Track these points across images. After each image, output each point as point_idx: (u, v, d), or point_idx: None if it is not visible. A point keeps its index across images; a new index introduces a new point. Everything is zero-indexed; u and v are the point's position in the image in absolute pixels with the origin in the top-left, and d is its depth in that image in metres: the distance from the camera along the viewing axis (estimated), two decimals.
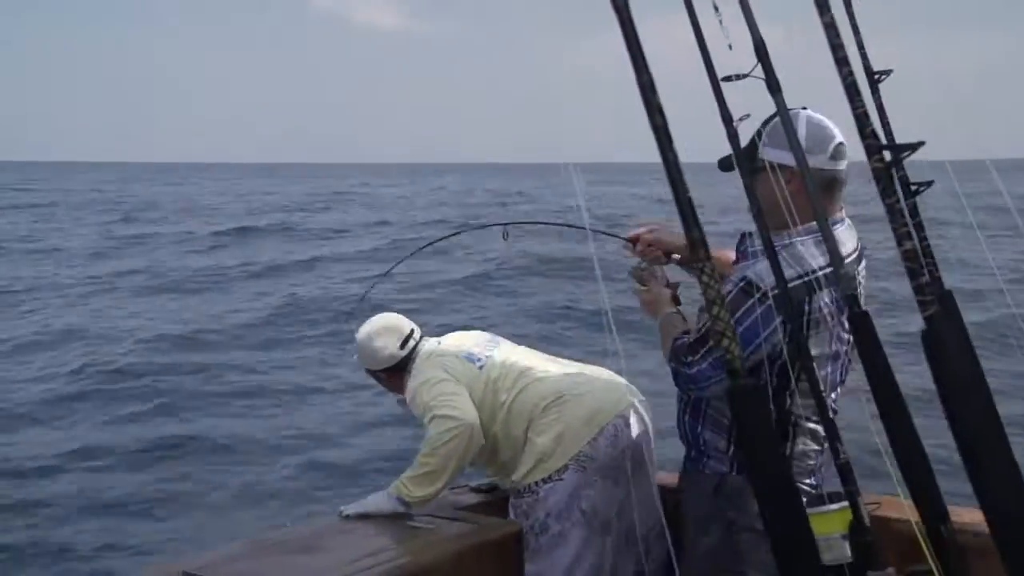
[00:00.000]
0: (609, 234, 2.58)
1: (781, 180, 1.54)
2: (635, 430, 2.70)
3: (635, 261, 2.40)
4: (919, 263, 0.98)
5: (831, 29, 1.06)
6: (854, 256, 2.11)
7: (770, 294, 1.93)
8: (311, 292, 14.58)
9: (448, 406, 2.68)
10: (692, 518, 2.23)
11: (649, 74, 0.95)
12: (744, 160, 1.69)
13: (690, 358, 2.03)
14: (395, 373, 2.93)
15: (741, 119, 1.36)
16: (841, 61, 1.04)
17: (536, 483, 2.67)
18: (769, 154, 1.82)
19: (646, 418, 2.76)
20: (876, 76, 1.76)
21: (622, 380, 2.83)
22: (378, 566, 2.39)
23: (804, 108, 2.09)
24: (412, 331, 2.96)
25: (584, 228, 2.31)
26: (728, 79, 1.52)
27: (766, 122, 1.97)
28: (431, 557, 2.47)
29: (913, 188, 1.69)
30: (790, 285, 1.83)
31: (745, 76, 1.52)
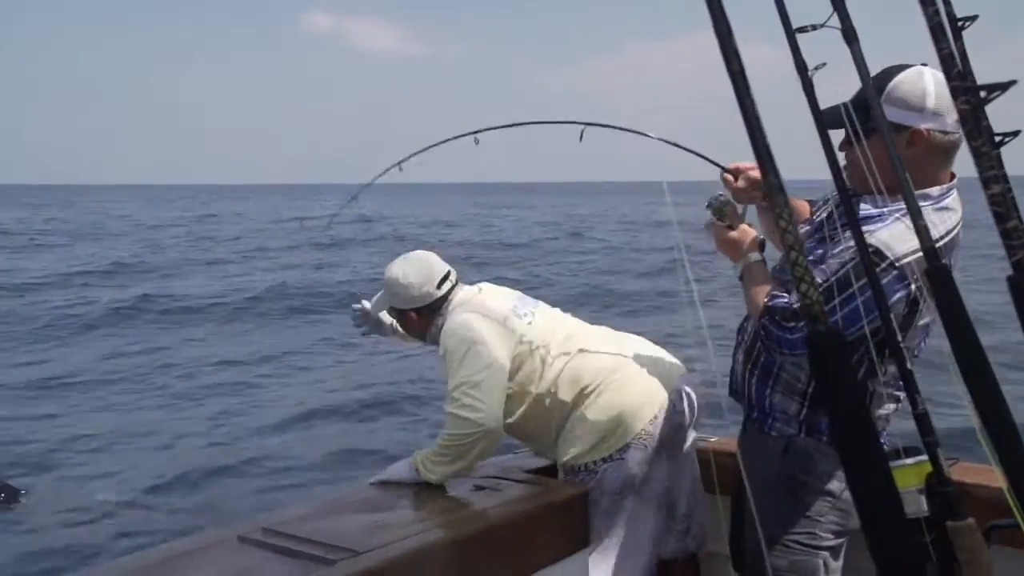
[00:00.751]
0: (709, 160, 2.32)
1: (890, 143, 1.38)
2: (684, 404, 2.63)
3: (717, 196, 2.20)
4: (1007, 207, 0.96)
5: None
6: (960, 224, 1.99)
7: (896, 264, 1.83)
8: None
9: (471, 407, 2.54)
10: (758, 481, 2.20)
11: (727, 23, 0.95)
12: (853, 116, 1.68)
13: (792, 323, 1.87)
14: (425, 315, 2.75)
15: (817, 68, 1.33)
16: (927, 2, 1.01)
17: (595, 462, 2.60)
18: (890, 113, 1.71)
19: (692, 392, 2.67)
20: (960, 23, 1.69)
21: (667, 353, 2.75)
22: (448, 526, 2.44)
23: (924, 64, 1.93)
24: (449, 272, 2.77)
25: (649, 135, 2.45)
26: (803, 29, 1.49)
27: (881, 77, 1.89)
28: (499, 517, 2.51)
29: (998, 139, 1.63)
30: (916, 256, 1.78)
31: (821, 26, 1.49)
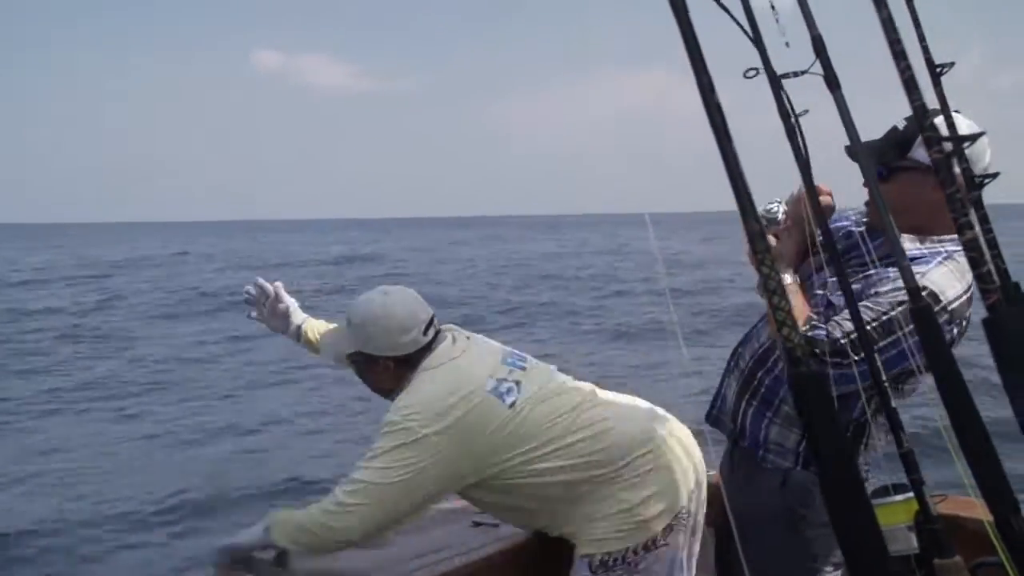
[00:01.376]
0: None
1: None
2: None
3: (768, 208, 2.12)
4: (979, 252, 0.99)
5: (888, 24, 1.07)
6: None
7: (948, 308, 1.88)
8: None
9: (346, 513, 2.11)
10: (752, 515, 2.20)
11: (708, 76, 0.99)
12: (887, 151, 1.85)
13: (846, 360, 1.80)
14: (403, 368, 2.22)
15: (800, 115, 1.37)
16: (899, 55, 1.06)
17: (635, 550, 2.15)
18: (923, 155, 1.74)
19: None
20: (938, 69, 1.75)
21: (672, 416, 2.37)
22: (447, 560, 2.45)
23: (957, 111, 1.88)
24: (433, 316, 2.29)
25: None
26: (786, 76, 1.54)
27: (917, 119, 1.88)
28: (497, 552, 2.52)
29: (977, 180, 1.68)
30: (960, 301, 1.87)
31: (804, 72, 1.54)
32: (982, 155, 1.90)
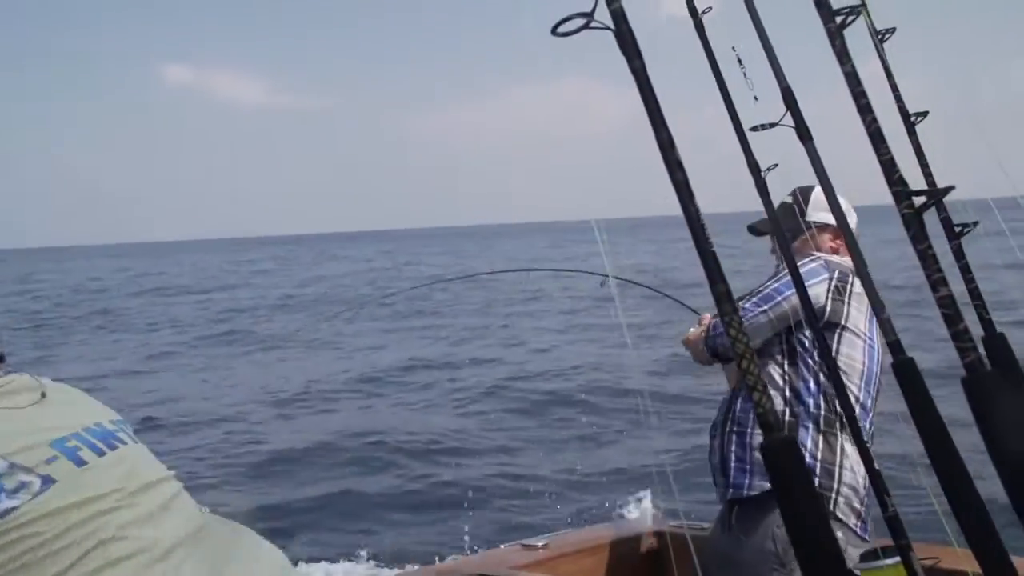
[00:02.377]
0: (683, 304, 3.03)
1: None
2: None
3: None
4: (955, 309, 0.96)
5: (851, 78, 1.05)
6: None
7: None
8: None
9: None
10: (750, 562, 2.25)
11: (667, 131, 0.97)
12: (784, 220, 2.18)
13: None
14: None
15: (769, 169, 1.35)
16: (864, 109, 1.04)
17: None
18: (819, 216, 2.46)
19: None
20: (912, 118, 1.74)
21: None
22: None
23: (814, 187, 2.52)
24: None
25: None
26: (757, 128, 1.53)
27: (803, 193, 2.51)
28: None
29: (957, 229, 1.66)
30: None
31: (775, 125, 1.52)
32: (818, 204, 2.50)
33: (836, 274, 2.38)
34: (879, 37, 1.72)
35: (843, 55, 1.05)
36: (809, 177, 1.62)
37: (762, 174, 1.31)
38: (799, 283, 1.43)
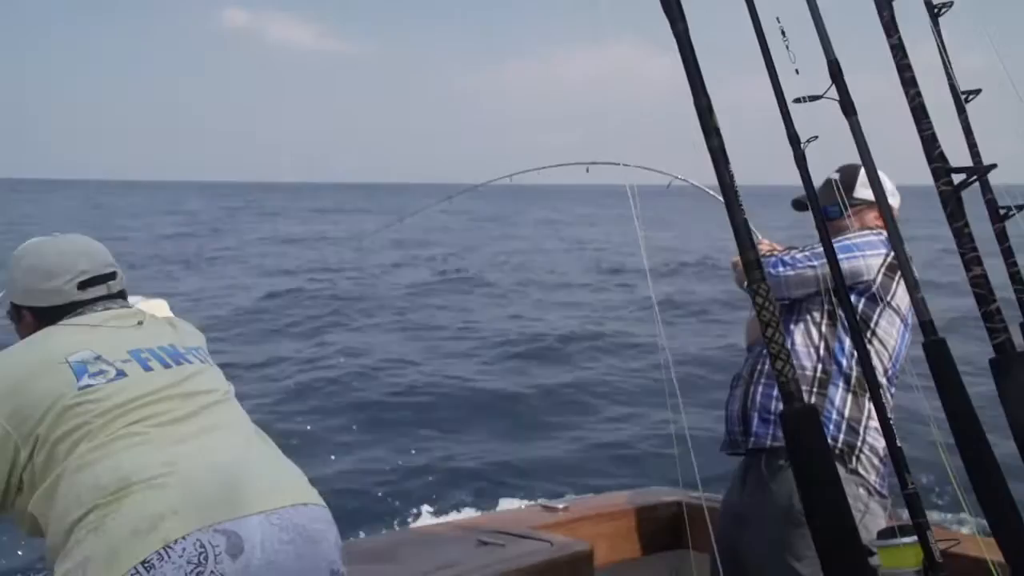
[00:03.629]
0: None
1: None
2: (276, 556, 1.49)
3: None
4: (988, 289, 0.95)
5: (897, 50, 1.04)
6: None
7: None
8: None
9: None
10: (762, 515, 2.33)
11: (707, 97, 0.96)
12: (831, 195, 2.36)
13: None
14: (44, 322, 1.74)
15: (809, 141, 1.34)
16: (908, 82, 1.02)
17: None
18: (865, 193, 2.42)
19: (317, 537, 1.58)
20: (964, 96, 1.70)
21: (274, 464, 1.66)
22: None
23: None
24: (109, 274, 1.80)
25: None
26: (801, 100, 1.51)
27: (850, 170, 2.49)
28: (501, 572, 2.49)
29: (1002, 211, 1.63)
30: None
31: (819, 97, 1.50)
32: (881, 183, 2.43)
33: (892, 253, 2.39)
34: (935, 11, 1.68)
35: (890, 27, 1.03)
36: (851, 154, 1.60)
37: (801, 146, 1.29)
38: (831, 254, 1.43)
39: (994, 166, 1.01)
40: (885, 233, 2.43)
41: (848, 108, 1.45)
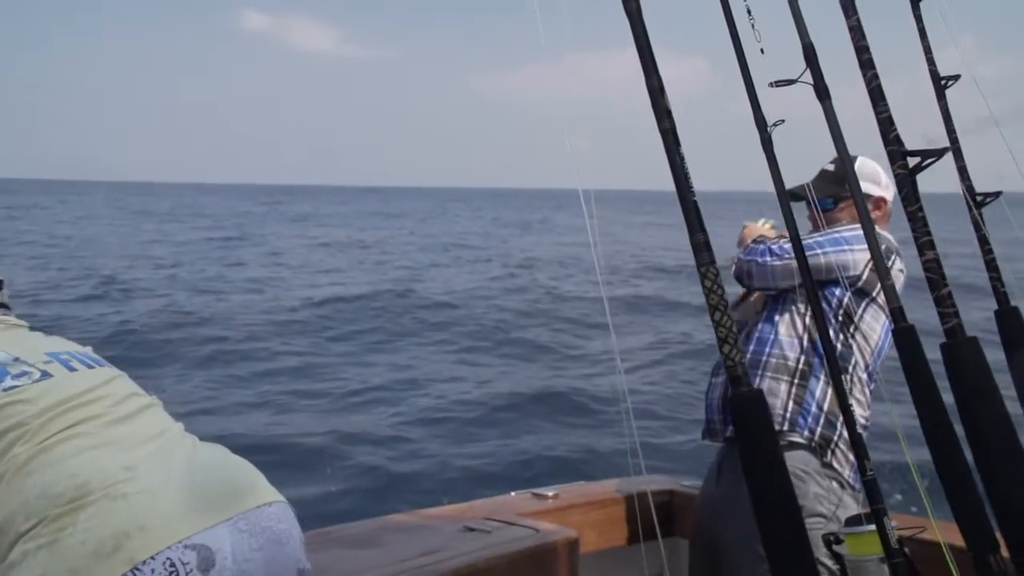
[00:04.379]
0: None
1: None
2: (247, 565, 1.45)
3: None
4: (940, 274, 0.94)
5: (855, 31, 1.02)
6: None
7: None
8: None
9: None
10: (741, 507, 2.33)
11: (659, 78, 0.95)
12: (825, 187, 2.45)
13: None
14: None
15: (775, 124, 1.33)
16: (866, 64, 1.01)
17: None
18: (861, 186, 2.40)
19: (284, 538, 1.53)
20: (943, 82, 1.68)
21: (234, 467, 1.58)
22: (433, 564, 2.43)
23: (858, 157, 2.49)
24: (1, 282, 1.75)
25: None
26: (777, 84, 1.49)
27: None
28: (484, 559, 2.49)
29: (979, 199, 1.61)
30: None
31: (794, 81, 1.49)
32: (876, 176, 2.48)
33: (882, 248, 2.38)
34: None
35: (848, 7, 1.02)
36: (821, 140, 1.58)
37: (768, 129, 1.28)
38: (798, 248, 1.42)
39: (948, 149, 1.00)
40: (877, 228, 2.43)
41: (822, 92, 1.43)
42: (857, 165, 2.47)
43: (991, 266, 1.53)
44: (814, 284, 2.30)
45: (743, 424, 0.91)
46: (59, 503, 1.35)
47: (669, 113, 0.94)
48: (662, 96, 0.95)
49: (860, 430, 2.27)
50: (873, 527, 1.36)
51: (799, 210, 2.69)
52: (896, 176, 1.00)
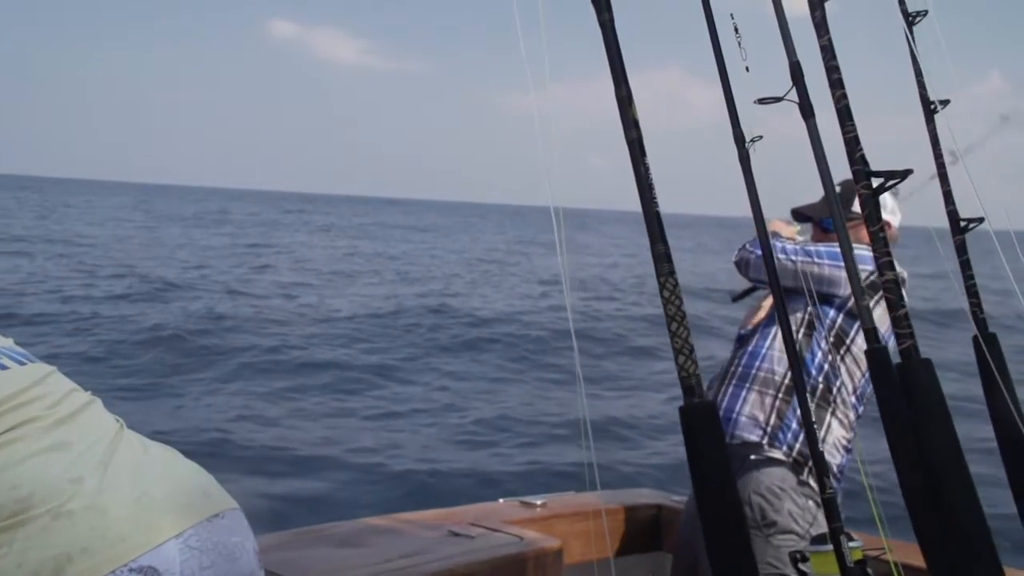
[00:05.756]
0: None
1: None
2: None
3: None
4: (898, 295, 0.94)
5: (826, 51, 1.03)
6: None
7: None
8: None
9: None
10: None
11: (628, 88, 0.96)
12: (823, 208, 2.44)
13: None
14: None
15: (753, 140, 1.34)
16: (835, 84, 1.02)
17: None
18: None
19: (237, 552, 1.44)
20: (932, 106, 1.69)
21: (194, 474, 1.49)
22: (413, 567, 2.43)
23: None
24: None
25: None
26: (763, 101, 1.50)
27: (848, 182, 2.44)
28: (465, 564, 2.50)
29: (963, 224, 1.61)
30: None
31: (781, 99, 1.50)
32: (881, 200, 2.32)
33: (877, 272, 2.40)
34: (909, 19, 1.67)
35: (821, 27, 1.03)
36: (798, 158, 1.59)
37: (746, 145, 1.29)
38: (768, 256, 1.42)
39: (911, 171, 1.01)
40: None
41: (807, 110, 1.44)
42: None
43: (971, 291, 1.53)
44: (812, 298, 2.33)
45: (692, 436, 0.92)
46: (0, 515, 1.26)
47: (636, 123, 0.95)
48: (630, 106, 0.96)
49: (841, 451, 2.29)
50: (828, 547, 1.37)
51: (806, 231, 2.71)
52: (860, 196, 1.01)
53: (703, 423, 0.92)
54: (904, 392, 1.01)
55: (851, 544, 1.36)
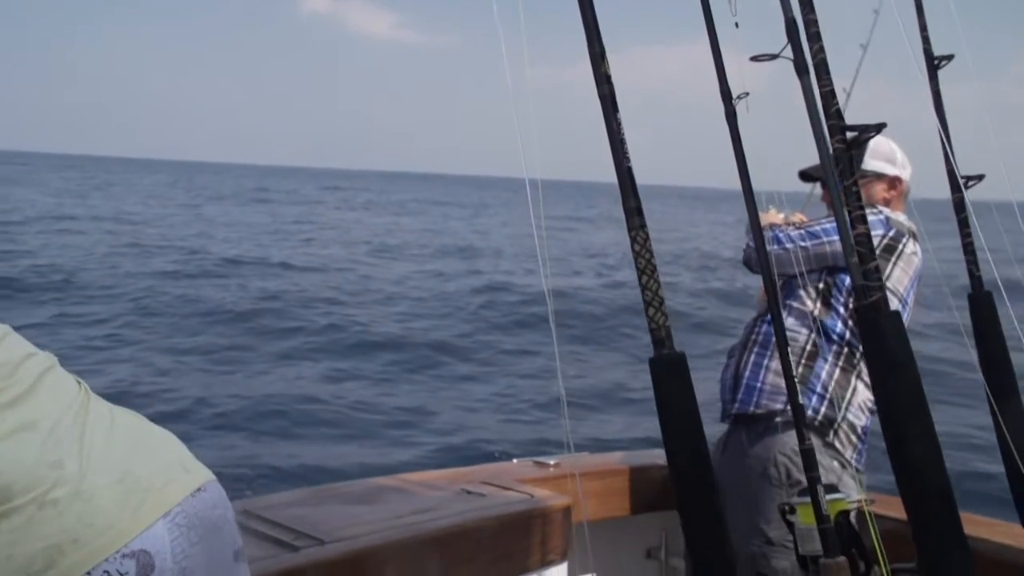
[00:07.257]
0: None
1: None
2: (188, 562, 1.34)
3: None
4: (869, 248, 0.95)
5: (805, 4, 1.03)
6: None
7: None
8: None
9: None
10: (744, 479, 2.36)
11: (601, 44, 0.97)
12: (840, 169, 2.29)
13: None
14: None
15: (740, 97, 1.33)
16: (813, 37, 1.01)
17: None
18: (874, 164, 2.40)
19: (220, 523, 1.41)
20: (936, 61, 1.66)
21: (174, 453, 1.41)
22: (424, 522, 2.49)
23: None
24: None
25: None
26: (758, 58, 1.50)
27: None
28: (474, 519, 2.55)
29: (963, 181, 1.60)
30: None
31: (776, 56, 1.49)
32: (891, 155, 2.39)
33: (892, 232, 2.37)
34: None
35: None
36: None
37: (732, 102, 1.29)
38: (759, 238, 1.43)
39: (884, 125, 1.00)
40: (886, 211, 2.42)
41: (801, 68, 1.43)
42: (872, 144, 2.44)
43: (968, 249, 1.53)
44: (827, 269, 2.30)
45: (661, 386, 0.94)
46: None
47: (608, 78, 0.96)
48: (603, 61, 0.97)
49: (866, 412, 2.30)
50: (829, 497, 1.39)
51: (811, 207, 2.69)
52: (834, 150, 1.01)
53: (671, 374, 0.95)
54: (866, 343, 1.02)
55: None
